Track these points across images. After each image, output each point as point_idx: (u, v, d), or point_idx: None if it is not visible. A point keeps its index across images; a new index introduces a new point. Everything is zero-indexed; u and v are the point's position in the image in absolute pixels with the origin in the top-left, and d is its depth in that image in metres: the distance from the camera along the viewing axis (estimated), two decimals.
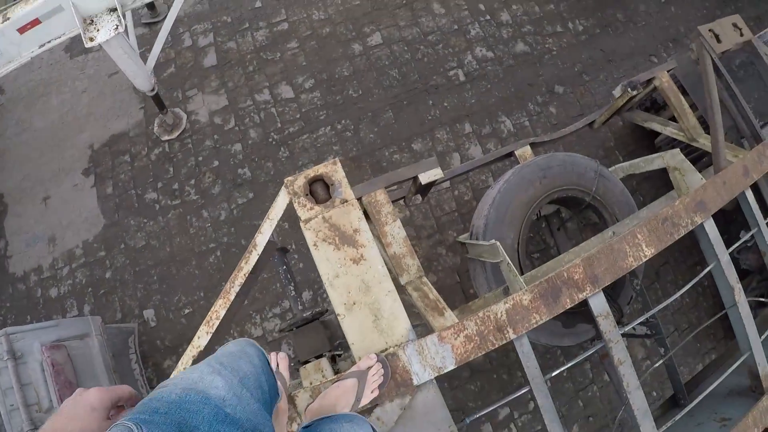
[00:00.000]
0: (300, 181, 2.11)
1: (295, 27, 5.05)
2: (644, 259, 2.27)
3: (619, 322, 3.28)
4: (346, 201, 2.12)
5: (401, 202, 3.24)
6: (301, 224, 2.07)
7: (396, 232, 2.42)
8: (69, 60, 5.08)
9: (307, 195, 2.10)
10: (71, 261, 4.24)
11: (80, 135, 4.69)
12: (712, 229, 2.51)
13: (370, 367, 1.85)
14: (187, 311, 4.05)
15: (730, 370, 2.46)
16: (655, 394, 4.07)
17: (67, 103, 4.85)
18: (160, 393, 0.97)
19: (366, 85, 4.79)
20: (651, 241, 2.30)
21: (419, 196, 3.07)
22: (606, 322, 2.20)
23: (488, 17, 5.32)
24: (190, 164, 4.42)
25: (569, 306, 2.09)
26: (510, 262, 2.42)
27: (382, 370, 1.87)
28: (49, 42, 3.21)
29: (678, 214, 2.40)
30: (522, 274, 2.94)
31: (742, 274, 3.82)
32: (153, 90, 3.93)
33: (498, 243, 2.48)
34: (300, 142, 4.49)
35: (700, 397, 2.42)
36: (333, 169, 2.15)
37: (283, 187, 2.12)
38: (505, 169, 3.61)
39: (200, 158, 4.45)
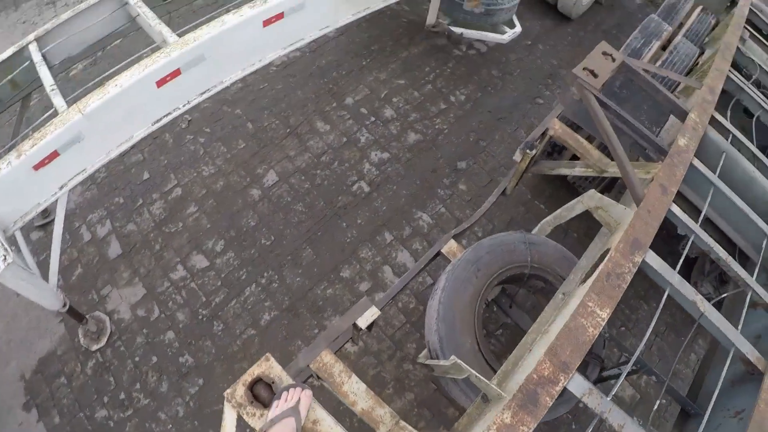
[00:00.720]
0: (239, 390, 1.94)
1: (188, 190, 4.94)
2: (603, 323, 2.20)
3: (603, 368, 3.24)
4: None
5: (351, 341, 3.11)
6: None
7: (356, 387, 2.27)
8: None
9: (252, 402, 1.93)
10: None
11: (7, 367, 4.28)
12: (654, 260, 2.50)
13: None
14: None
15: (724, 371, 2.41)
16: (664, 401, 4.02)
17: None
18: None
19: (276, 228, 4.69)
20: (603, 302, 2.25)
21: (366, 330, 2.95)
22: (592, 399, 2.12)
23: (373, 119, 5.41)
24: (128, 368, 4.12)
25: (552, 402, 2.01)
26: (477, 374, 2.29)
27: None
28: None
29: (618, 263, 2.36)
30: (490, 366, 2.84)
31: (693, 261, 4.05)
32: (65, 305, 3.67)
33: (458, 360, 2.35)
34: (230, 310, 4.27)
35: (710, 407, 2.35)
36: (267, 366, 2.00)
37: (225, 402, 1.95)
38: (440, 264, 3.54)
39: (137, 358, 4.15)
